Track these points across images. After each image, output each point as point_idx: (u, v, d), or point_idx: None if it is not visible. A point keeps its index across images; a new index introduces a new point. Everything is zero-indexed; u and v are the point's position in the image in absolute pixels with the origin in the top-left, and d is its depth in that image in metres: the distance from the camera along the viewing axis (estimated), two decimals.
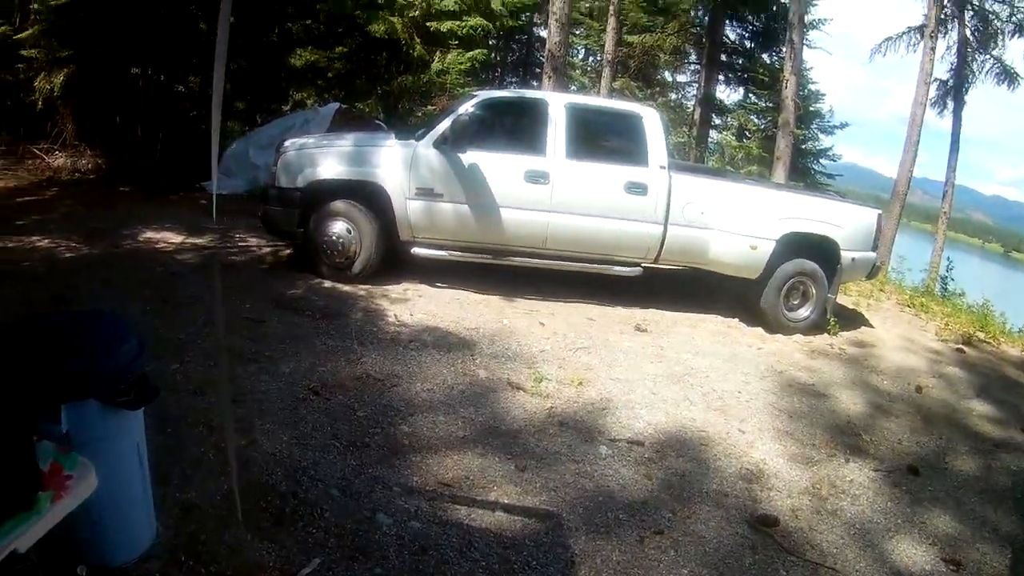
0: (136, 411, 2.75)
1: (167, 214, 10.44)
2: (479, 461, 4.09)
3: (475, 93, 8.04)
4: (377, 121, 14.89)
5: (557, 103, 7.41)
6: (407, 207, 6.99)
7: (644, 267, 7.55)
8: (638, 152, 7.39)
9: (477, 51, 16.50)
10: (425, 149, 7.02)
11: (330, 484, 3.60)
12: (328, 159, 7.28)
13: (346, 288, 6.91)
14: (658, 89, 26.87)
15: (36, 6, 17.16)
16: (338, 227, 7.10)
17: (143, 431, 2.85)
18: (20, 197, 12.90)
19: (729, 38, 24.93)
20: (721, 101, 25.80)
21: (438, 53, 15.60)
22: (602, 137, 7.99)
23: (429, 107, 17.27)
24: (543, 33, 23.26)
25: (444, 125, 7.05)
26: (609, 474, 4.20)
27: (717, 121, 26.30)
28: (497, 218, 7.06)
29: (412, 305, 6.61)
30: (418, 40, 15.43)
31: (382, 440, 4.14)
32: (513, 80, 27.97)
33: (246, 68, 20.39)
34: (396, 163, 7.02)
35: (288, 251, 8.06)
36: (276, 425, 4.10)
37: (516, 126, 7.68)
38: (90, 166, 16.68)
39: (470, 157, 7.00)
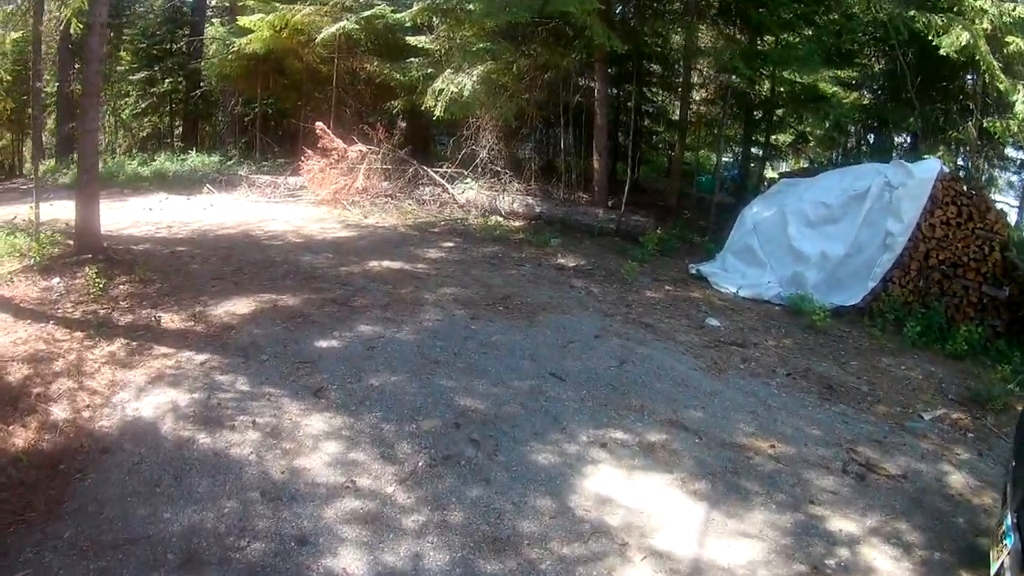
0: None
1: (642, 345, 5.56)
2: None
3: None
4: None
5: None
6: None
7: None
8: None
9: None
10: None
11: None
12: None
13: None
14: None
15: None
16: None
17: None
18: (380, 259, 8.88)
19: None
20: None
21: (1020, 88, 10.46)
22: None
23: None
24: None
25: None
26: None
27: None
28: None
29: None
30: (996, 65, 10.39)
31: None
32: None
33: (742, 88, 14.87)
34: None
35: None
36: None
37: None
38: (516, 206, 12.77)
39: None
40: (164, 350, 5.63)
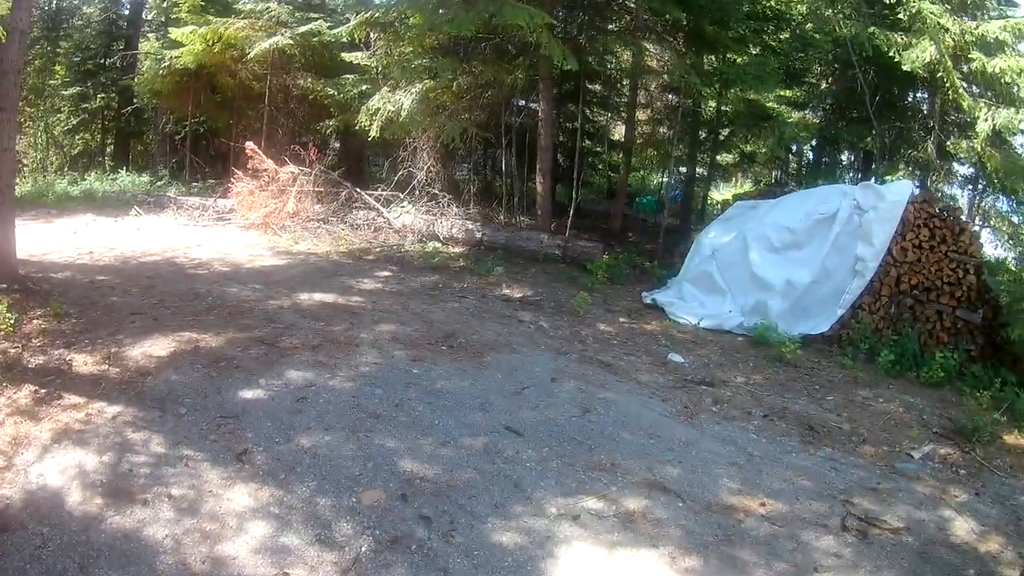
0: None
1: (603, 389, 5.07)
2: None
3: None
4: None
5: None
6: None
7: None
8: None
9: None
10: None
11: None
12: None
13: None
14: None
15: None
16: None
17: None
18: (312, 291, 8.12)
19: None
20: None
21: (982, 107, 10.01)
22: None
23: None
24: None
25: None
26: None
27: None
28: None
29: None
30: (959, 83, 10.21)
31: None
32: None
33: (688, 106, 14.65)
34: None
35: None
36: None
37: None
38: (455, 231, 12.06)
39: None
40: (74, 399, 4.90)
